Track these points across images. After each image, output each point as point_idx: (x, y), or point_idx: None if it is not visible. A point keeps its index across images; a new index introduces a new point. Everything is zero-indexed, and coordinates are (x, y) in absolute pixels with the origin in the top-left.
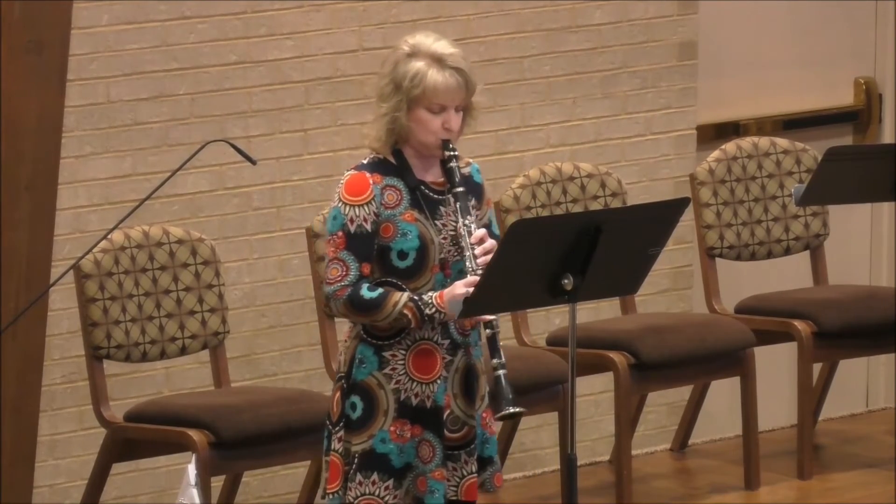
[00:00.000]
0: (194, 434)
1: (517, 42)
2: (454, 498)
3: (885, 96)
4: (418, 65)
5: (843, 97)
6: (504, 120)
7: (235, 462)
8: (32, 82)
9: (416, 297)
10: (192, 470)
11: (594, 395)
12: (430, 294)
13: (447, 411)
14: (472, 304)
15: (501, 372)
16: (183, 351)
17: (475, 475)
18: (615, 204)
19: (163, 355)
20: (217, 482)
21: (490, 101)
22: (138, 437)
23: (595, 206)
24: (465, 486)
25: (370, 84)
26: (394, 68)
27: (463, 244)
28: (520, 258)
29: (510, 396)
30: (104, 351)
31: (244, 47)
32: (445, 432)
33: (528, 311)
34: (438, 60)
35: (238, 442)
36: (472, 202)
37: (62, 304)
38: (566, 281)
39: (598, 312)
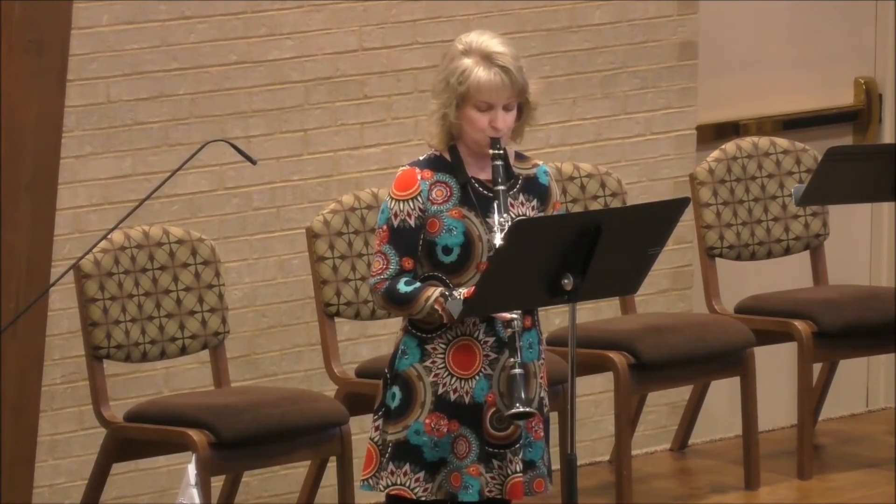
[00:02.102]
0: (194, 434)
1: (517, 42)
2: (498, 496)
3: (885, 96)
4: (467, 62)
5: (843, 97)
6: None
7: (235, 462)
8: (32, 82)
9: (447, 293)
10: (192, 470)
11: (594, 395)
12: (460, 290)
13: (492, 409)
14: (473, 304)
15: (517, 371)
16: (183, 351)
17: (520, 475)
18: (615, 204)
19: (163, 355)
20: (217, 482)
21: None
22: (138, 437)
23: (595, 206)
24: (510, 485)
25: (370, 84)
26: (447, 65)
27: (495, 241)
28: (520, 258)
29: (523, 396)
30: (104, 351)
31: (244, 47)
32: (491, 430)
33: None
34: (486, 58)
35: (238, 442)
36: (535, 203)
37: (62, 304)
38: (566, 281)
39: (598, 312)
